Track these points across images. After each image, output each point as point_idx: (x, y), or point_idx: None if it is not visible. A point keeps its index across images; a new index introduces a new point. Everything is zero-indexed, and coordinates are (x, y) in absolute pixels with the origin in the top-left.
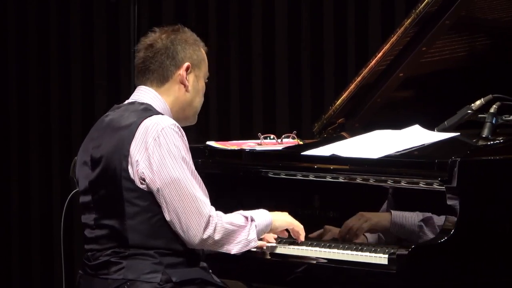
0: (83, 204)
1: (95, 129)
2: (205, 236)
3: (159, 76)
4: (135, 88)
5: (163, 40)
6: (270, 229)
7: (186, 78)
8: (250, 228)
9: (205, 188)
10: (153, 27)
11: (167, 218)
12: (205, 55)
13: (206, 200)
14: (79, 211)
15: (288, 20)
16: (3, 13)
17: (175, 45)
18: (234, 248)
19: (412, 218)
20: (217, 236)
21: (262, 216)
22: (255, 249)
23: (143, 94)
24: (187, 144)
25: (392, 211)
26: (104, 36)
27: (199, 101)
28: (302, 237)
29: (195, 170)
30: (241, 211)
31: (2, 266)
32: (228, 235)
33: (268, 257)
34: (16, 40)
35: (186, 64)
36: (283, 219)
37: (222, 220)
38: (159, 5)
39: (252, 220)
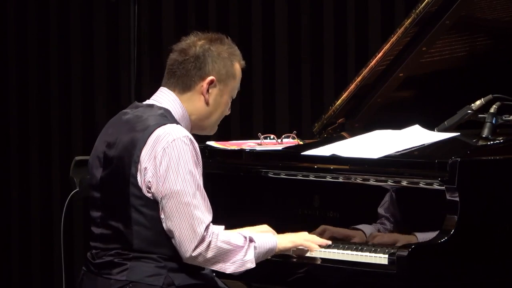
0: (92, 198)
1: (111, 124)
2: (194, 254)
3: (182, 84)
4: (135, 87)
5: (197, 47)
6: (275, 252)
7: (208, 91)
8: (248, 249)
9: (209, 204)
10: (154, 27)
11: (165, 228)
12: (238, 70)
13: (205, 218)
14: (79, 211)
15: (288, 21)
16: (3, 13)
17: (206, 56)
18: (229, 267)
19: None
20: (209, 255)
21: (265, 239)
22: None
23: (163, 97)
24: (199, 157)
25: (417, 234)
26: (104, 36)
27: (218, 115)
28: (314, 249)
29: (202, 186)
30: (243, 231)
31: (2, 266)
32: (223, 254)
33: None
34: (16, 40)
35: (210, 77)
36: (289, 240)
37: (218, 239)
38: (159, 5)
39: (251, 241)
